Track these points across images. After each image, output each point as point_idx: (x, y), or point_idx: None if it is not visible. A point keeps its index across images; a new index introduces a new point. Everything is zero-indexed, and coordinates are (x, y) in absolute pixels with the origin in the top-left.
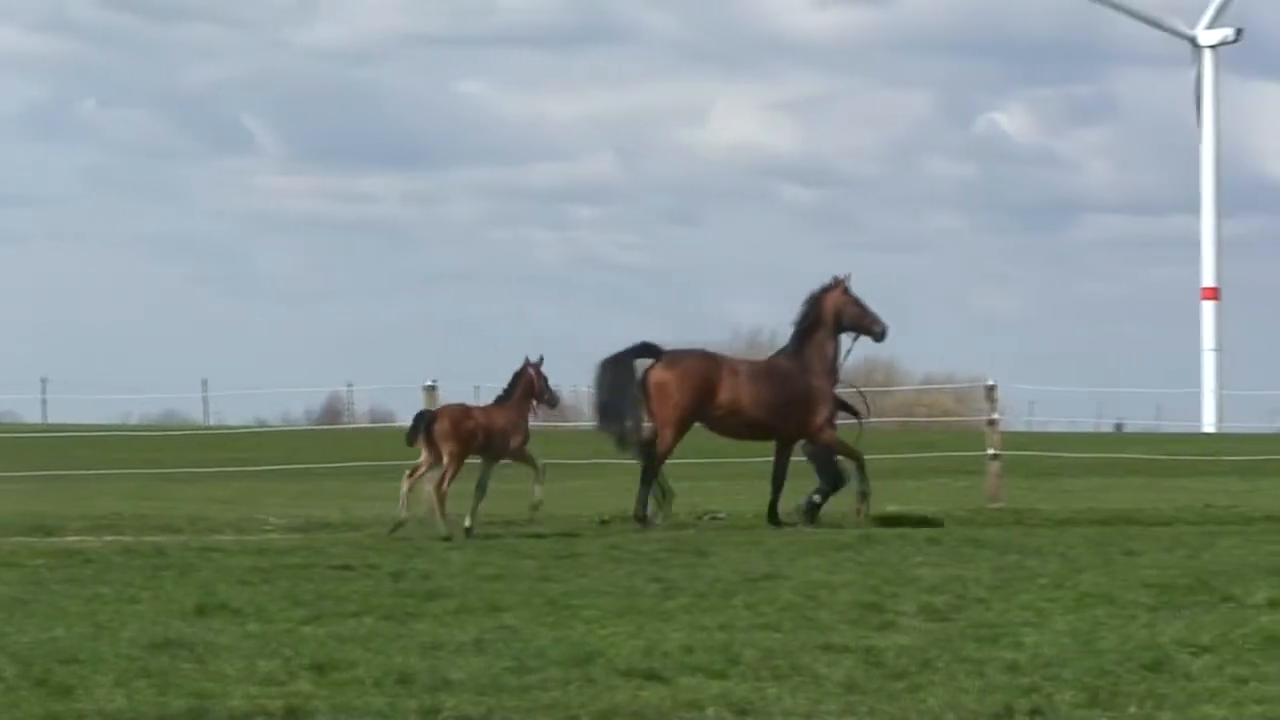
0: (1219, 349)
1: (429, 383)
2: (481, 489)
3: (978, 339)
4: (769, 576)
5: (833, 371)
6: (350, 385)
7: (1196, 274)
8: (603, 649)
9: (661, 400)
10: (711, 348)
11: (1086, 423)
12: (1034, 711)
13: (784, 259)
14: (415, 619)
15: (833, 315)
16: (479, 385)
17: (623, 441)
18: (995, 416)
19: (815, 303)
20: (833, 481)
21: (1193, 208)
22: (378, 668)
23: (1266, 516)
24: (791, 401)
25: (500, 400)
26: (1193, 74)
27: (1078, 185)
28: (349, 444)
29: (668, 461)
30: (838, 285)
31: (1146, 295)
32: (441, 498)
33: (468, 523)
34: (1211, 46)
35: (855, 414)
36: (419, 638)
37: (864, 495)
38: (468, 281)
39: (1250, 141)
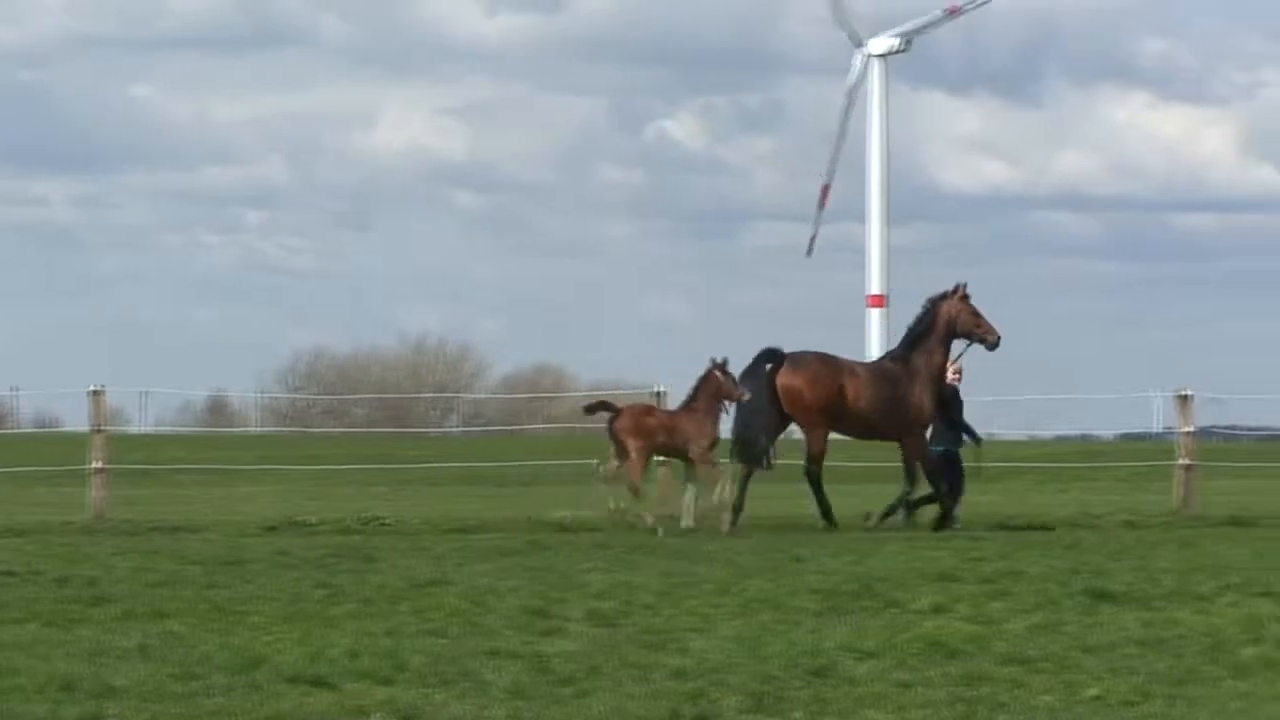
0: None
1: (94, 387)
2: (694, 488)
3: (648, 344)
4: (436, 582)
5: (938, 379)
6: (15, 389)
7: (863, 281)
8: (268, 655)
9: (794, 403)
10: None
11: None
12: (700, 717)
13: (454, 264)
14: (79, 625)
15: (946, 323)
16: (146, 390)
17: (757, 457)
18: None
19: (930, 308)
20: (944, 486)
21: (860, 216)
22: (40, 675)
23: (929, 523)
24: (896, 404)
25: (686, 404)
26: (853, 82)
27: (747, 192)
28: (13, 449)
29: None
30: (956, 292)
31: (814, 302)
32: (635, 491)
33: (687, 521)
34: (880, 55)
35: (971, 435)
36: (83, 644)
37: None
38: (137, 285)
39: (918, 150)
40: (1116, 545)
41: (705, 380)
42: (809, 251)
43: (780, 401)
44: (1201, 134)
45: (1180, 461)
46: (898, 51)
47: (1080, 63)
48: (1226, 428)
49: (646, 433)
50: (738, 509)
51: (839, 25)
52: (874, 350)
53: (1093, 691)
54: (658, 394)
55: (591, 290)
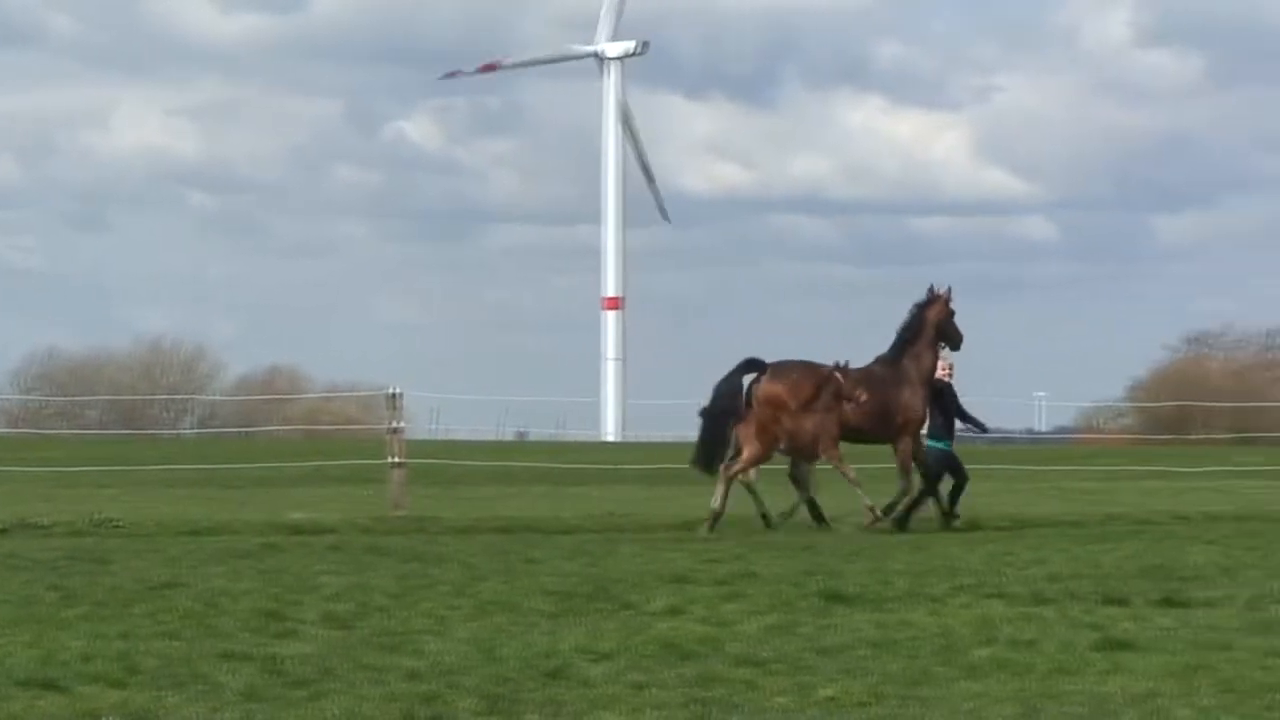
0: (621, 358)
1: None
2: (803, 486)
3: (383, 345)
4: (169, 585)
5: (926, 381)
6: None
7: (599, 284)
8: None
9: (779, 410)
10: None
11: (490, 431)
12: (434, 719)
13: (188, 265)
14: None
15: (934, 326)
16: None
17: (712, 464)
18: (398, 424)
19: (919, 313)
20: (952, 481)
21: (597, 218)
22: None
23: (666, 525)
24: (887, 408)
25: (809, 405)
26: (600, 87)
27: (484, 194)
28: None
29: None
30: (941, 298)
31: (551, 304)
32: (728, 481)
33: (780, 515)
34: (617, 59)
35: (976, 423)
36: None
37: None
38: None
39: (655, 154)
40: (851, 547)
41: (827, 382)
42: (663, 215)
43: (760, 409)
44: (936, 138)
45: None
46: (633, 55)
47: (817, 66)
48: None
49: (769, 439)
50: (718, 514)
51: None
52: (610, 352)
53: (826, 693)
54: (393, 395)
55: (327, 291)
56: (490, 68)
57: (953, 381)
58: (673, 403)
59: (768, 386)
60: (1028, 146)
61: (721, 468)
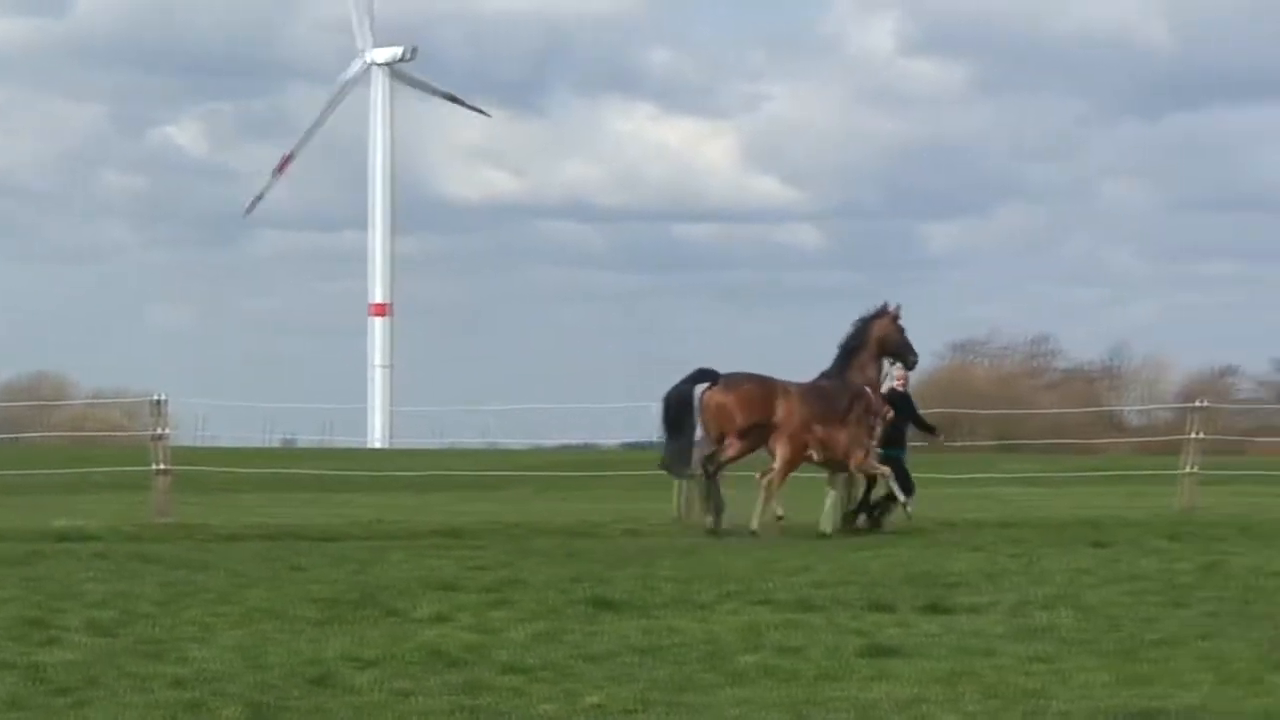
0: (389, 365)
1: None
2: (839, 496)
3: (151, 352)
4: None
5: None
6: None
7: (367, 290)
8: None
9: (725, 420)
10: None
11: (258, 438)
12: None
13: None
14: None
15: (878, 340)
16: None
17: (680, 471)
18: (163, 431)
19: (864, 327)
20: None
21: (365, 224)
22: None
23: (433, 531)
24: (836, 420)
25: (842, 419)
26: (347, 78)
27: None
28: None
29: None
30: (888, 313)
31: (319, 311)
32: (769, 492)
33: (824, 527)
34: (384, 64)
35: (932, 431)
36: None
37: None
38: None
39: (422, 160)
40: (618, 554)
41: (859, 397)
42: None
43: (706, 420)
44: (704, 145)
45: None
46: (402, 60)
47: (587, 73)
48: None
49: (799, 446)
50: (719, 509)
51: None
52: (377, 359)
53: (593, 699)
54: (157, 402)
55: (93, 297)
56: (286, 160)
57: (908, 391)
58: (440, 409)
59: (718, 396)
60: (795, 154)
61: (757, 477)
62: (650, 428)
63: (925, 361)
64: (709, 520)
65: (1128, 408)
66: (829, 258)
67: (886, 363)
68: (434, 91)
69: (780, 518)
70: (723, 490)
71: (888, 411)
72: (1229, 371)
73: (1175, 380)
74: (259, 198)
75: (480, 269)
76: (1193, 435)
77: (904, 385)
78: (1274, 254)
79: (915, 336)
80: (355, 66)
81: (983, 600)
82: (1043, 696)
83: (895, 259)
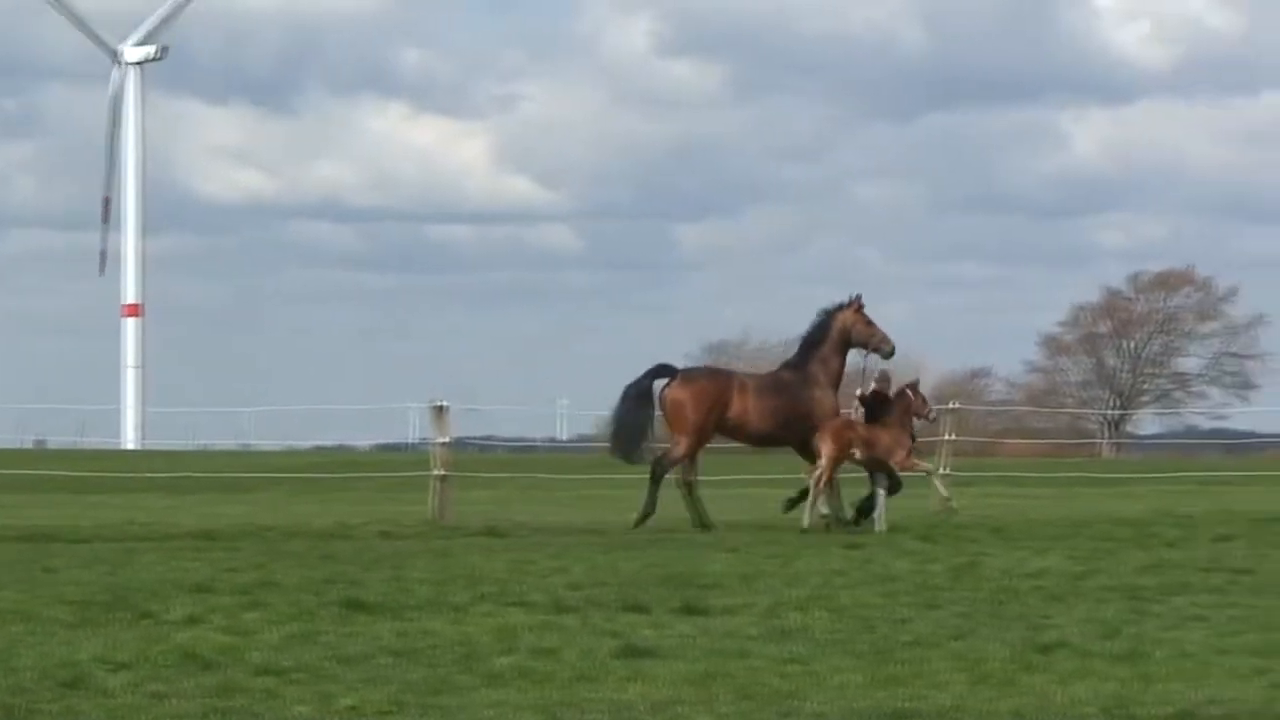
0: (140, 366)
1: None
2: (877, 495)
3: None
4: None
5: (835, 385)
6: None
7: (119, 290)
8: None
9: (678, 417)
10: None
11: (8, 439)
12: None
13: None
14: None
15: (840, 331)
16: None
17: (630, 459)
18: None
19: (826, 319)
20: (891, 485)
21: (117, 224)
22: None
23: (186, 533)
24: (796, 412)
25: (883, 419)
26: (113, 94)
27: (2, 199)
28: None
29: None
30: (851, 304)
31: (69, 310)
32: (817, 493)
33: (879, 526)
34: (136, 63)
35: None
36: None
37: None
38: None
39: (175, 160)
40: (372, 555)
41: (899, 398)
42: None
43: (665, 415)
44: (458, 145)
45: (435, 472)
46: (154, 60)
47: (340, 72)
48: (483, 438)
49: (843, 443)
50: (648, 513)
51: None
52: (129, 358)
53: (348, 702)
54: None
55: None
56: (107, 203)
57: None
58: (195, 411)
59: (676, 392)
60: (549, 155)
61: (811, 480)
62: (404, 429)
63: (681, 364)
64: (637, 518)
65: None
66: (583, 258)
67: (861, 355)
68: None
69: (825, 516)
70: (659, 495)
71: (930, 412)
72: (981, 373)
73: (929, 381)
74: (103, 252)
75: (234, 269)
76: (945, 437)
77: (888, 385)
78: (1025, 256)
79: (668, 338)
80: (115, 77)
81: (738, 602)
82: (797, 697)
83: (649, 260)
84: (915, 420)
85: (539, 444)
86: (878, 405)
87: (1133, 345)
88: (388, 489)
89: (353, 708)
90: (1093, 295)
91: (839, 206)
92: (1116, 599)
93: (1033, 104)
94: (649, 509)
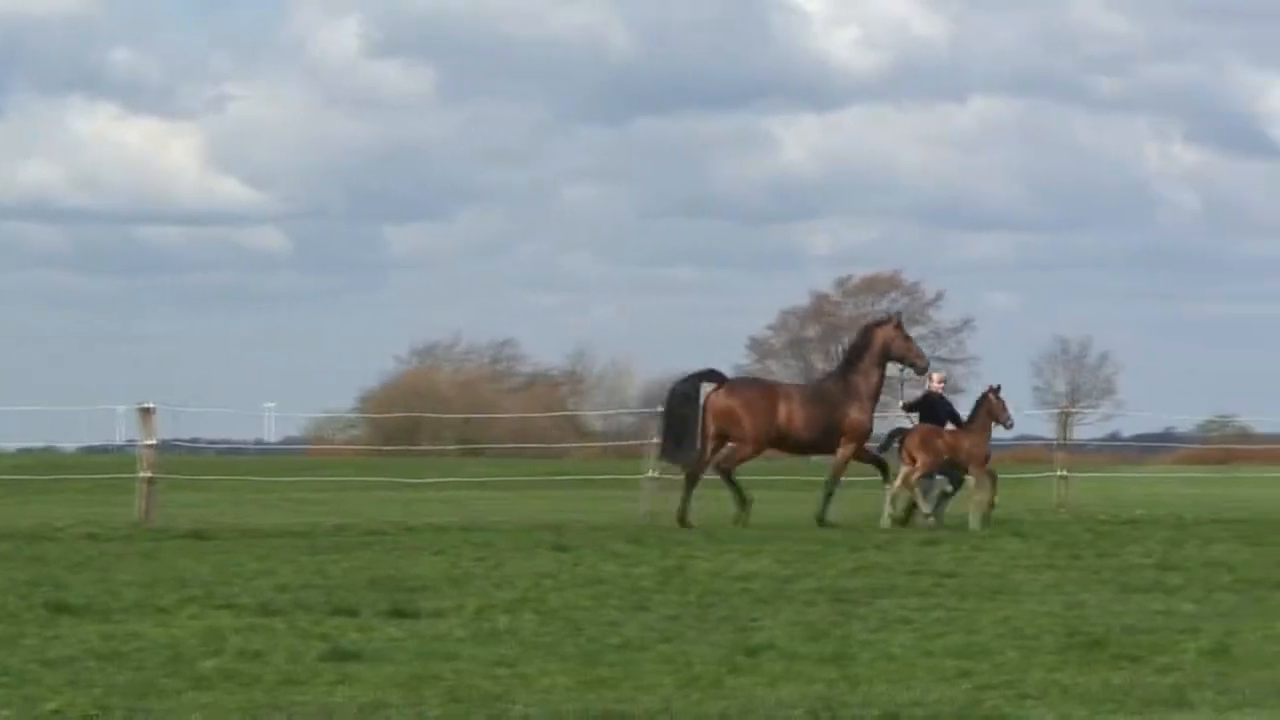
0: None
1: None
2: (946, 493)
3: None
4: None
5: (874, 397)
6: None
7: None
8: None
9: (733, 425)
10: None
11: None
12: None
13: None
14: None
15: (881, 346)
16: None
17: (677, 460)
18: None
19: (868, 333)
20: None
21: None
22: None
23: None
24: (832, 422)
25: (965, 424)
26: None
27: None
28: None
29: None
30: (891, 320)
31: None
32: (912, 489)
33: (975, 524)
34: None
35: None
36: None
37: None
38: None
39: None
40: (78, 558)
41: (982, 402)
42: None
43: (709, 421)
44: (167, 146)
45: (142, 474)
46: None
47: (48, 72)
48: (189, 441)
49: (935, 450)
50: (742, 500)
51: None
52: None
53: (52, 706)
54: None
55: None
56: None
57: (943, 393)
58: None
59: (724, 400)
60: (260, 157)
61: (901, 477)
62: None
63: (390, 366)
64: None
65: (591, 412)
66: (293, 261)
67: (896, 367)
68: None
69: (927, 515)
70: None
71: (1009, 419)
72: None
73: (637, 385)
74: None
75: None
76: (654, 440)
77: (942, 386)
78: (735, 260)
79: (378, 340)
80: None
81: (446, 604)
82: (505, 700)
83: (359, 262)
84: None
85: (247, 446)
86: (928, 409)
87: (840, 349)
88: (94, 491)
89: (57, 711)
90: (801, 299)
91: (549, 210)
92: (824, 601)
93: (743, 109)
94: (741, 499)
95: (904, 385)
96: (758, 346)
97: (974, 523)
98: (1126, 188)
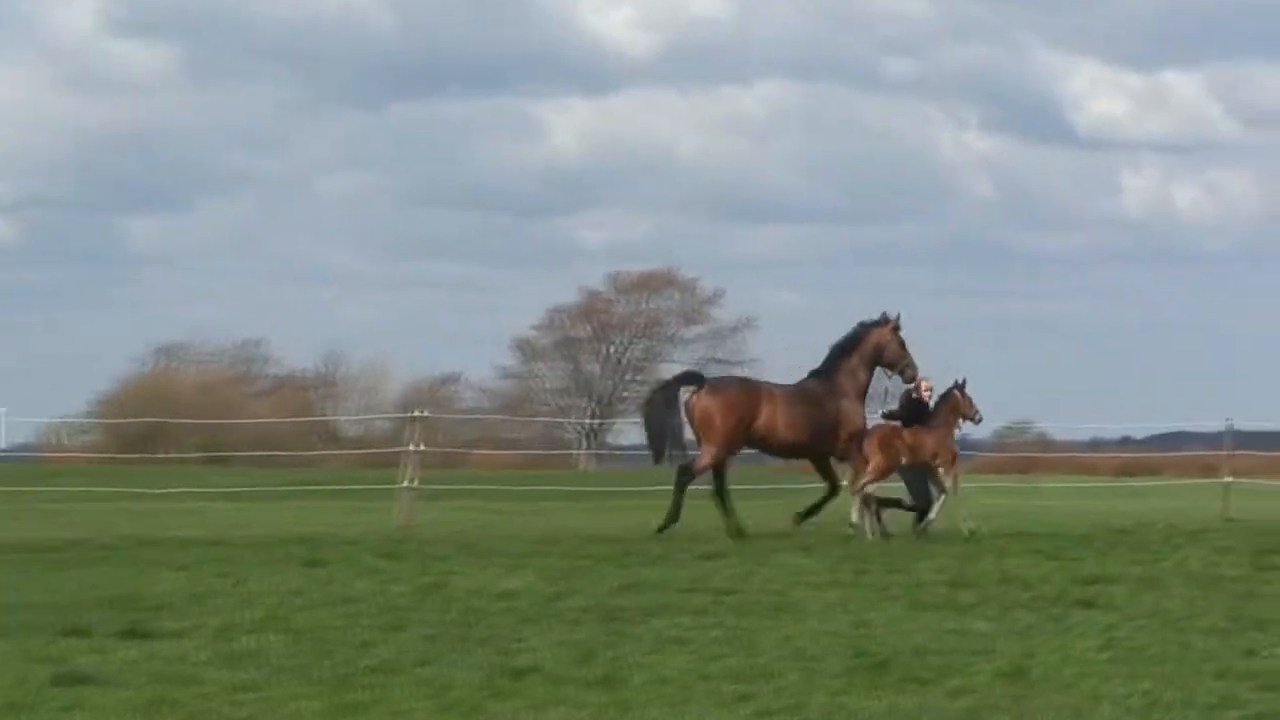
0: None
1: None
2: (936, 496)
3: None
4: None
5: (863, 398)
6: None
7: None
8: None
9: (707, 425)
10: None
11: None
12: None
13: None
14: None
15: (874, 348)
16: None
17: (662, 461)
18: None
19: (862, 332)
20: (924, 498)
21: None
22: None
23: None
24: (821, 422)
25: (928, 422)
26: None
27: None
28: None
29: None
30: (888, 323)
31: None
32: (864, 499)
33: (970, 525)
34: None
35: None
36: None
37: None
38: None
39: None
40: None
41: (947, 398)
42: None
43: (691, 423)
44: None
45: None
46: None
47: None
48: None
49: (893, 452)
50: (672, 521)
51: None
52: None
53: None
54: None
55: None
56: None
57: (930, 400)
58: None
59: (703, 400)
60: None
61: (854, 491)
62: None
63: (128, 367)
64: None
65: (345, 417)
66: (23, 253)
67: (885, 375)
68: None
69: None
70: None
71: (978, 414)
72: (450, 379)
73: (395, 388)
74: None
75: None
76: (412, 447)
77: (929, 394)
78: (500, 255)
79: (115, 339)
80: None
81: (186, 624)
82: None
83: (96, 254)
84: (961, 423)
85: None
86: (913, 412)
87: (613, 350)
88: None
89: None
90: (571, 297)
91: (301, 200)
92: (592, 621)
93: (510, 93)
94: (673, 517)
95: (887, 394)
96: (524, 347)
97: (963, 525)
98: (919, 177)
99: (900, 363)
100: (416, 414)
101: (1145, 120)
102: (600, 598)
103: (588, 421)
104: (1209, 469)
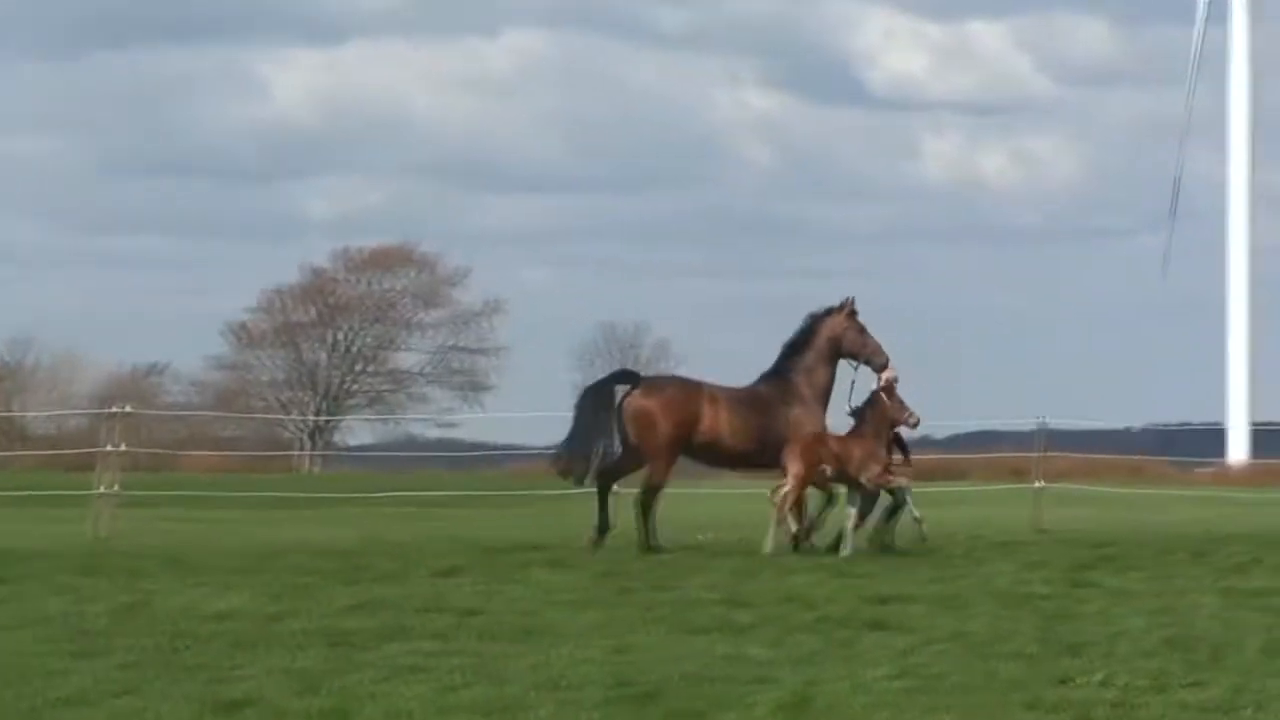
0: None
1: None
2: (863, 513)
3: None
4: None
5: (824, 399)
6: None
7: None
8: None
9: (646, 429)
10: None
11: None
12: None
13: None
14: None
15: (828, 340)
16: None
17: (573, 471)
18: None
19: (812, 324)
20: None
21: None
22: None
23: None
24: (774, 432)
25: (852, 429)
26: None
27: None
28: None
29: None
30: (843, 309)
31: None
32: (781, 512)
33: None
34: None
35: (905, 452)
36: None
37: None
38: None
39: None
40: None
41: (872, 404)
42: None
43: (625, 426)
44: None
45: None
46: None
47: None
48: None
49: (812, 460)
50: (604, 528)
51: None
52: None
53: None
54: None
55: None
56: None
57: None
58: None
59: (640, 401)
60: None
61: (769, 495)
62: None
63: None
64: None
65: (33, 413)
66: None
67: (850, 367)
68: None
69: (795, 536)
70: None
71: (911, 417)
72: (155, 370)
73: (90, 380)
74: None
75: None
76: (110, 447)
77: (894, 385)
78: (211, 228)
79: None
80: None
81: None
82: None
83: None
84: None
85: None
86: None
87: (341, 336)
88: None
89: None
90: (293, 276)
91: None
92: (317, 645)
93: (222, 43)
94: (605, 524)
95: (854, 386)
96: (238, 333)
97: (845, 545)
98: (690, 142)
99: (863, 351)
100: (116, 410)
101: (946, 77)
102: (326, 619)
103: (312, 418)
104: (1019, 472)
